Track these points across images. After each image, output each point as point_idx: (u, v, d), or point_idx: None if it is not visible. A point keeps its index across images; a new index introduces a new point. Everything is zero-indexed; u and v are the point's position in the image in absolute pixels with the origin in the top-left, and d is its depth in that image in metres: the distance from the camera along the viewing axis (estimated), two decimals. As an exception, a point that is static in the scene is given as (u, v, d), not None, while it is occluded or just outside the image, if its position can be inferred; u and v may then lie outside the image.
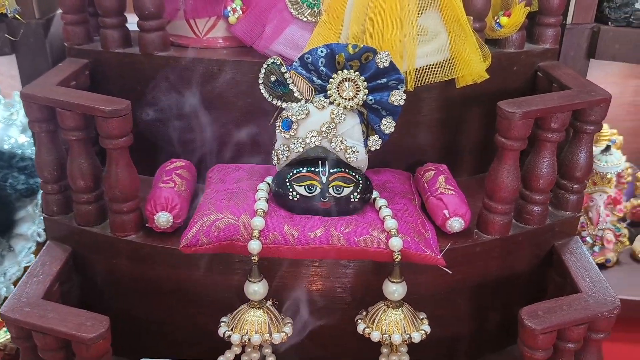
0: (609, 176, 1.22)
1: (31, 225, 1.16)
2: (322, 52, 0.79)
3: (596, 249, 1.26)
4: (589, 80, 0.89)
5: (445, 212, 0.81)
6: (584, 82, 0.87)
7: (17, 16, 0.96)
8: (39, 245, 1.16)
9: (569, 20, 1.04)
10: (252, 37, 0.88)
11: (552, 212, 0.89)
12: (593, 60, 1.07)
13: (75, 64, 0.91)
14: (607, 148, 1.22)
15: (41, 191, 1.15)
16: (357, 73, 0.79)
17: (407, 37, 0.85)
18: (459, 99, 0.92)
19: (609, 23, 1.04)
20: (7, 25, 0.99)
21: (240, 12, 0.91)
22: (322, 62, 0.79)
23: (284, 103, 0.80)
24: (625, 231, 1.29)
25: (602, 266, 1.25)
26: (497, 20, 0.91)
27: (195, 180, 0.90)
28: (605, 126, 1.26)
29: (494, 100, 0.92)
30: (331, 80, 0.79)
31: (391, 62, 0.78)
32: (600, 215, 1.24)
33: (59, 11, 1.09)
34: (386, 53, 0.78)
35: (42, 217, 1.15)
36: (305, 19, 0.86)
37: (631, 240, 1.31)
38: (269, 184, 0.83)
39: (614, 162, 1.22)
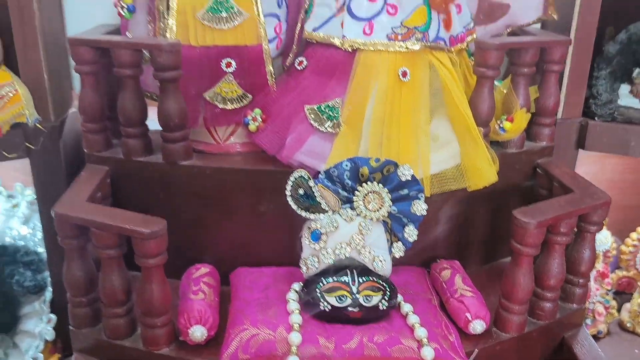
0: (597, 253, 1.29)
1: (38, 322, 1.15)
2: (346, 165, 0.84)
3: (588, 321, 1.32)
4: (587, 180, 0.96)
5: (468, 315, 0.85)
6: (584, 184, 0.94)
7: (37, 125, 0.98)
8: (48, 344, 1.14)
9: (559, 115, 1.12)
10: (274, 147, 0.92)
11: (561, 306, 0.94)
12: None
13: (98, 173, 0.93)
14: (594, 226, 1.29)
15: (50, 289, 1.15)
16: (380, 185, 0.84)
17: (421, 146, 0.90)
18: (467, 197, 0.97)
19: (596, 118, 1.13)
20: (24, 131, 1.00)
21: (260, 120, 0.95)
22: (347, 175, 0.84)
23: (311, 214, 0.84)
24: (614, 302, 1.36)
25: (595, 337, 1.31)
26: (501, 125, 0.97)
27: (220, 285, 0.92)
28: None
29: (498, 196, 0.98)
30: (357, 192, 0.84)
31: (412, 175, 0.83)
32: (591, 289, 1.31)
33: (72, 110, 1.11)
34: (407, 167, 0.83)
35: (50, 315, 1.15)
36: (325, 130, 0.91)
37: (619, 309, 1.38)
38: (297, 291, 0.86)
39: (602, 241, 1.30)
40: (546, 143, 1.05)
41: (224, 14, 0.89)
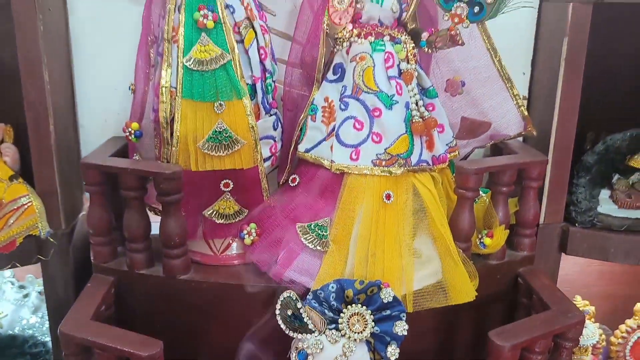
0: (585, 347, 1.33)
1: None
2: (332, 287, 0.90)
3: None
4: (564, 296, 1.01)
5: None
6: (561, 300, 0.99)
7: (49, 238, 1.05)
8: None
9: (541, 220, 1.17)
10: (267, 264, 0.99)
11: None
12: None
13: (103, 285, 1.00)
14: (582, 321, 1.33)
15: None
16: (364, 307, 0.89)
17: (405, 264, 0.96)
18: (450, 309, 1.02)
19: (576, 224, 1.18)
20: (36, 241, 1.08)
21: (255, 235, 1.02)
22: (333, 297, 0.90)
23: (299, 334, 0.90)
24: (606, 395, 1.38)
25: None
26: (481, 240, 1.03)
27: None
28: (578, 297, 1.38)
29: (481, 305, 1.03)
30: (342, 314, 0.89)
31: (394, 297, 0.89)
32: (581, 383, 1.33)
33: (82, 213, 1.19)
34: (389, 290, 0.89)
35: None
36: (314, 248, 0.97)
37: (611, 402, 1.40)
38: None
39: (590, 335, 1.33)
40: (527, 252, 1.10)
41: (223, 143, 0.97)
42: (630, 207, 1.18)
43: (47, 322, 1.31)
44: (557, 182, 1.15)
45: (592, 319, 1.37)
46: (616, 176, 1.24)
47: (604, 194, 1.23)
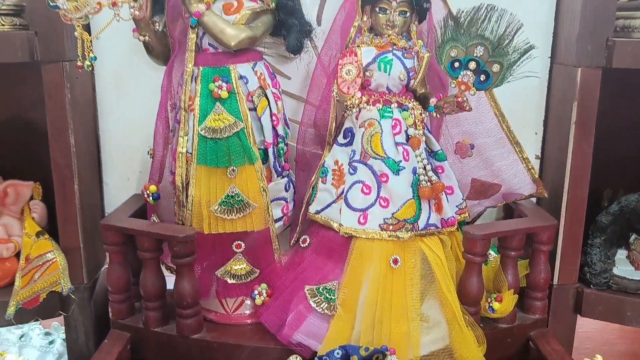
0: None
1: None
2: (338, 353, 0.92)
3: None
4: (573, 361, 1.00)
5: None
6: (570, 367, 0.98)
7: (71, 295, 1.10)
8: None
9: (555, 280, 1.16)
10: (276, 326, 1.01)
11: None
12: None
13: (119, 341, 1.04)
14: (602, 380, 1.30)
15: None
16: (369, 372, 0.91)
17: (411, 329, 0.97)
18: (460, 372, 1.02)
19: (591, 286, 1.17)
20: (58, 296, 1.13)
21: (265, 295, 1.05)
22: (338, 362, 0.91)
23: (306, 400, 0.91)
24: None
25: None
26: (490, 304, 1.03)
27: None
28: (598, 357, 1.35)
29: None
30: (346, 378, 0.91)
31: (397, 361, 0.90)
32: None
33: (105, 267, 1.24)
34: (394, 358, 0.90)
35: None
36: (322, 311, 0.99)
37: None
38: None
39: (609, 397, 1.30)
40: (539, 315, 1.09)
41: (235, 207, 1.00)
42: (647, 268, 1.17)
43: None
44: (570, 243, 1.14)
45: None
46: (633, 236, 1.22)
47: (621, 254, 1.22)
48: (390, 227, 1.00)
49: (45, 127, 1.11)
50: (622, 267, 1.19)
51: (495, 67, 0.96)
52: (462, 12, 0.98)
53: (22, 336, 1.40)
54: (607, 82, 1.09)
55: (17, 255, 1.16)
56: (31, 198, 1.21)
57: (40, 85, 1.08)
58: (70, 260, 1.13)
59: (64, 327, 1.41)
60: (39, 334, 1.42)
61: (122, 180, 1.23)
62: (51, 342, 1.41)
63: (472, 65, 0.97)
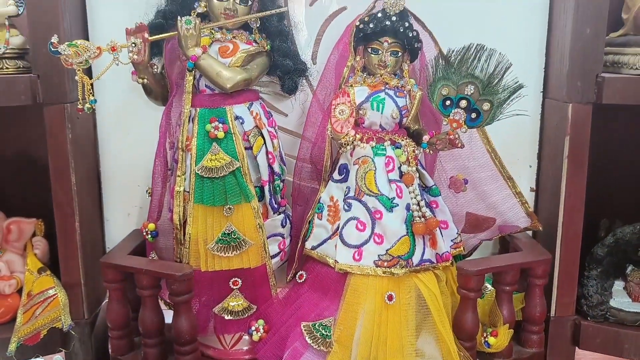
0: None
1: None
2: (333, 391, 0.92)
3: None
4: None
5: None
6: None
7: (71, 331, 1.12)
8: None
9: (552, 312, 1.17)
10: (272, 364, 1.02)
11: None
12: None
13: (118, 380, 1.05)
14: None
15: None
16: (364, 411, 0.91)
17: (407, 365, 0.98)
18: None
19: (588, 318, 1.17)
20: (59, 332, 1.14)
21: (262, 332, 1.06)
22: (333, 400, 0.92)
23: None
24: None
25: None
26: (486, 339, 1.04)
27: None
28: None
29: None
30: (341, 418, 0.91)
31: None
32: None
33: (105, 301, 1.25)
34: (389, 395, 0.90)
35: None
36: (318, 348, 1.00)
37: None
38: None
39: None
40: (536, 349, 1.10)
41: (231, 244, 1.02)
42: (644, 300, 1.17)
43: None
44: (566, 275, 1.15)
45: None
46: (630, 267, 1.23)
47: (618, 285, 1.22)
48: (385, 264, 1.01)
49: (48, 163, 1.13)
50: (619, 299, 1.19)
51: (486, 106, 0.98)
52: (453, 51, 1.00)
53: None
54: (601, 113, 1.10)
55: (19, 291, 1.18)
56: (33, 234, 1.23)
57: (42, 124, 1.11)
58: (71, 296, 1.15)
59: (65, 360, 1.43)
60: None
61: (123, 216, 1.25)
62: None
63: (463, 103, 0.99)
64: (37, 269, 1.18)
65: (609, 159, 1.31)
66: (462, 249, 1.11)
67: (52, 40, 0.96)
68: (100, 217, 1.25)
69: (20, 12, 1.14)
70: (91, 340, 1.19)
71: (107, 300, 1.25)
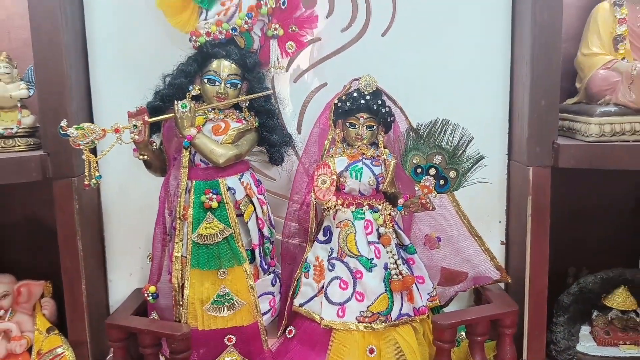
0: None
1: None
2: None
3: None
4: None
5: None
6: None
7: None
8: None
9: (524, 358, 1.26)
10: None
11: None
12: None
13: None
14: None
15: None
16: None
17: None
18: None
19: (557, 363, 1.27)
20: (68, 388, 1.23)
21: None
22: None
23: None
24: None
25: None
26: (461, 386, 1.13)
27: None
28: None
29: None
30: None
31: None
32: None
33: (109, 356, 1.34)
34: None
35: None
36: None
37: None
38: None
39: None
40: (511, 394, 1.19)
41: (225, 305, 1.12)
42: (608, 344, 1.27)
43: None
44: (535, 323, 1.25)
45: None
46: (595, 312, 1.33)
47: (585, 330, 1.32)
48: (366, 319, 1.11)
49: (55, 227, 1.23)
50: (585, 343, 1.29)
51: (452, 174, 1.10)
52: (421, 125, 1.12)
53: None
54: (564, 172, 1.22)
55: (30, 350, 1.27)
56: (42, 295, 1.33)
57: (51, 194, 1.21)
58: (77, 353, 1.24)
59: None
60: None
61: (125, 277, 1.35)
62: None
63: (432, 171, 1.11)
64: (46, 328, 1.28)
65: (574, 212, 1.43)
66: (437, 301, 1.21)
67: (61, 125, 1.08)
68: (104, 278, 1.35)
69: (30, 94, 1.26)
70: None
71: (111, 355, 1.34)
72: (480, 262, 1.25)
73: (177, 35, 1.18)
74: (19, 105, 1.25)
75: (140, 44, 1.27)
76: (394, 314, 1.12)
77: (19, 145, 1.23)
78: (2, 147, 1.22)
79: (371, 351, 1.10)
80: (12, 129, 1.23)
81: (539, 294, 1.24)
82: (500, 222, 1.35)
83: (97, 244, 1.32)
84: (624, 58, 1.25)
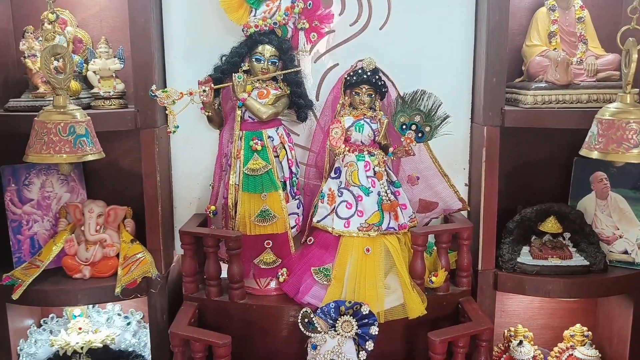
0: (525, 361, 1.83)
1: (144, 402, 1.78)
2: (332, 305, 1.49)
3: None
4: (483, 314, 1.56)
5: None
6: (480, 316, 1.54)
7: (157, 278, 1.67)
8: (150, 416, 1.76)
9: (479, 267, 1.73)
10: (293, 292, 1.58)
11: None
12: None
13: (191, 307, 1.60)
14: (520, 342, 1.85)
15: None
16: (352, 317, 1.48)
17: (379, 293, 1.54)
18: (412, 322, 1.58)
19: (502, 270, 1.74)
20: (147, 281, 1.69)
21: (286, 276, 1.62)
22: (332, 311, 1.48)
23: (312, 334, 1.48)
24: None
25: None
26: (430, 279, 1.61)
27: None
28: (519, 326, 1.90)
29: (433, 322, 1.58)
30: (337, 321, 1.48)
31: (370, 311, 1.47)
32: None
33: (172, 264, 1.81)
34: (367, 307, 1.47)
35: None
36: (322, 282, 1.56)
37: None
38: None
39: (526, 352, 1.84)
40: (465, 287, 1.66)
41: (266, 218, 1.59)
42: (539, 257, 1.74)
43: (144, 341, 1.90)
44: (487, 241, 1.72)
45: (531, 342, 1.89)
46: (533, 237, 1.80)
47: (525, 249, 1.79)
48: (364, 229, 1.58)
49: (132, 169, 1.71)
50: (524, 257, 1.75)
51: (427, 128, 1.57)
52: (406, 94, 1.59)
53: (108, 319, 1.96)
54: (512, 133, 1.68)
55: (117, 255, 1.74)
56: (125, 217, 1.79)
57: (129, 141, 1.68)
58: (153, 258, 1.71)
59: (138, 312, 1.98)
60: (120, 318, 1.97)
61: (186, 205, 1.81)
62: (128, 324, 1.96)
63: (413, 127, 1.57)
64: (129, 240, 1.75)
65: (521, 165, 1.90)
66: (415, 223, 1.68)
67: (151, 88, 1.54)
68: (171, 205, 1.81)
69: (122, 67, 1.72)
70: (166, 287, 1.74)
71: (174, 262, 1.82)
72: (448, 195, 1.72)
73: (231, 27, 1.64)
74: (114, 75, 1.71)
75: (204, 33, 1.72)
76: (384, 226, 1.59)
77: (114, 105, 1.70)
78: (102, 105, 1.68)
79: (367, 250, 1.57)
80: (110, 92, 1.69)
81: (490, 219, 1.71)
82: (464, 168, 1.81)
83: (167, 180, 1.78)
84: (555, 49, 1.71)
